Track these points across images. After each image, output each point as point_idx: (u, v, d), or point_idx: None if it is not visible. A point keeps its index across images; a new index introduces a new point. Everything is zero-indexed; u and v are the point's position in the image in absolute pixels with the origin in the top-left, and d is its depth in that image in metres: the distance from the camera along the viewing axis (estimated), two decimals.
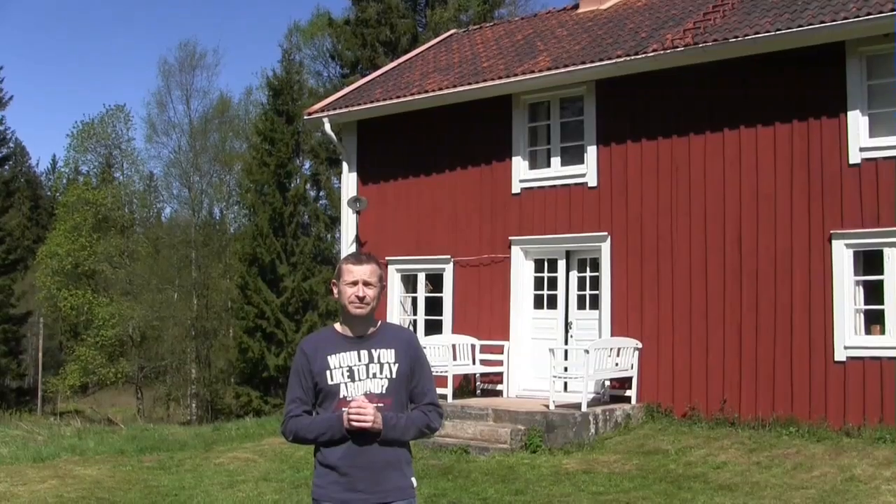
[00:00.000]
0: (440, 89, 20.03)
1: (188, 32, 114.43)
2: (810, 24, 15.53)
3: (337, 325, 5.35)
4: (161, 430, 21.75)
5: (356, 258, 5.28)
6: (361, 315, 5.19)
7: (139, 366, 56.31)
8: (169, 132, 62.01)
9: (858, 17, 15.04)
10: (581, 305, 18.82)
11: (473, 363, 19.41)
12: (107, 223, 58.71)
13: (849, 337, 15.52)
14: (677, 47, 16.93)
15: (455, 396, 18.40)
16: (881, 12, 14.83)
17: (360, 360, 5.16)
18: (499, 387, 19.32)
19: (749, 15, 17.13)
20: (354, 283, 5.18)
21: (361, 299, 5.16)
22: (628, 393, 17.55)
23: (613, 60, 17.67)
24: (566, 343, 18.66)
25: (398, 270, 21.29)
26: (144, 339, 57.41)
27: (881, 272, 15.39)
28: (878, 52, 15.63)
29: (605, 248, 18.16)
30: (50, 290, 55.64)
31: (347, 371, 5.14)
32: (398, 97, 20.75)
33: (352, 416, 5.00)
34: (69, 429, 23.59)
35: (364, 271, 5.18)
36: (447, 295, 20.45)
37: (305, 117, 23.21)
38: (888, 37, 15.25)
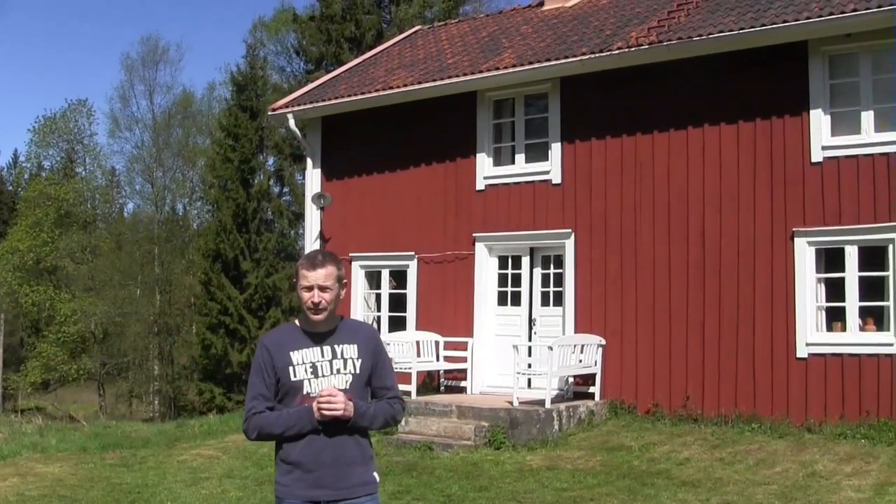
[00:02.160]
0: (405, 86, 20.01)
1: (151, 27, 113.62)
2: (773, 24, 15.64)
3: (298, 321, 5.29)
4: (124, 427, 21.66)
5: (311, 262, 5.14)
6: (319, 321, 5.13)
7: (101, 362, 55.96)
8: (132, 127, 61.87)
9: (821, 16, 15.16)
10: (545, 302, 18.85)
11: (437, 360, 19.41)
12: (69, 219, 58.34)
13: (811, 334, 15.65)
14: (642, 45, 16.99)
15: (419, 393, 18.39)
16: (843, 12, 14.97)
17: (323, 357, 5.11)
18: (462, 383, 19.31)
19: (713, 13, 17.22)
20: (310, 289, 5.08)
21: (316, 305, 5.08)
22: (592, 389, 17.59)
23: (578, 58, 17.71)
24: (530, 340, 18.70)
25: (362, 267, 21.25)
26: (107, 336, 57.03)
27: (843, 269, 15.53)
28: (841, 52, 15.78)
29: (570, 244, 18.20)
30: (11, 285, 55.15)
31: (311, 367, 5.09)
32: (363, 93, 20.71)
33: (322, 405, 4.95)
34: (30, 426, 23.41)
35: (318, 276, 5.07)
36: (411, 292, 20.43)
37: (269, 113, 23.14)
38: (850, 37, 15.42)
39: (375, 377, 5.25)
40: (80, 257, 58.04)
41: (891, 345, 14.96)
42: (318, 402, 4.97)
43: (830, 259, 15.83)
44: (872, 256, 15.41)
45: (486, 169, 19.48)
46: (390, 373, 5.34)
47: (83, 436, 18.99)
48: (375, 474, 5.24)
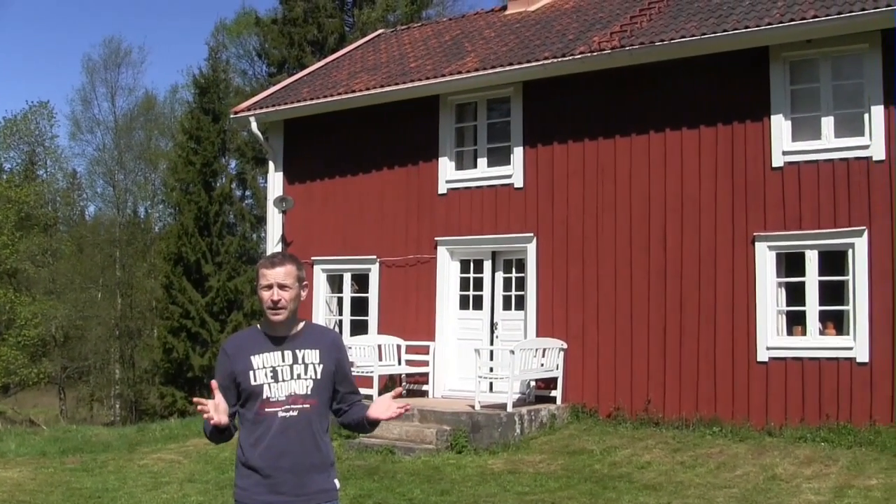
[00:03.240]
0: (367, 89, 19.97)
1: (113, 29, 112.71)
2: (735, 29, 15.72)
3: (260, 325, 5.26)
4: (84, 431, 21.47)
5: (270, 261, 5.14)
6: (279, 320, 5.10)
7: (62, 366, 55.48)
8: (93, 129, 61.38)
9: (782, 22, 15.25)
10: (507, 306, 18.87)
11: (399, 363, 19.38)
12: (29, 221, 57.78)
13: (771, 338, 15.73)
14: (604, 50, 17.03)
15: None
16: (804, 18, 15.07)
17: (283, 361, 5.08)
18: (424, 387, 19.30)
19: (675, 19, 17.29)
20: (269, 287, 5.06)
21: (276, 303, 5.05)
22: (553, 393, 17.62)
23: (541, 62, 17.73)
24: (492, 343, 18.71)
25: (324, 270, 21.20)
26: (67, 339, 56.58)
27: (803, 274, 15.61)
28: (802, 58, 15.88)
29: (531, 248, 18.22)
30: None
31: (271, 371, 5.05)
32: (325, 97, 20.66)
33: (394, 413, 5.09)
34: None
35: (278, 274, 5.06)
36: (373, 295, 20.39)
37: (232, 116, 23.00)
38: (810, 42, 15.51)
39: (344, 383, 5.25)
40: (41, 260, 57.53)
41: (850, 349, 15.06)
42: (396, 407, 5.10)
43: (791, 263, 15.93)
44: (832, 261, 15.51)
45: (448, 173, 19.47)
46: (353, 378, 5.36)
47: (43, 440, 18.85)
48: (336, 481, 5.20)
